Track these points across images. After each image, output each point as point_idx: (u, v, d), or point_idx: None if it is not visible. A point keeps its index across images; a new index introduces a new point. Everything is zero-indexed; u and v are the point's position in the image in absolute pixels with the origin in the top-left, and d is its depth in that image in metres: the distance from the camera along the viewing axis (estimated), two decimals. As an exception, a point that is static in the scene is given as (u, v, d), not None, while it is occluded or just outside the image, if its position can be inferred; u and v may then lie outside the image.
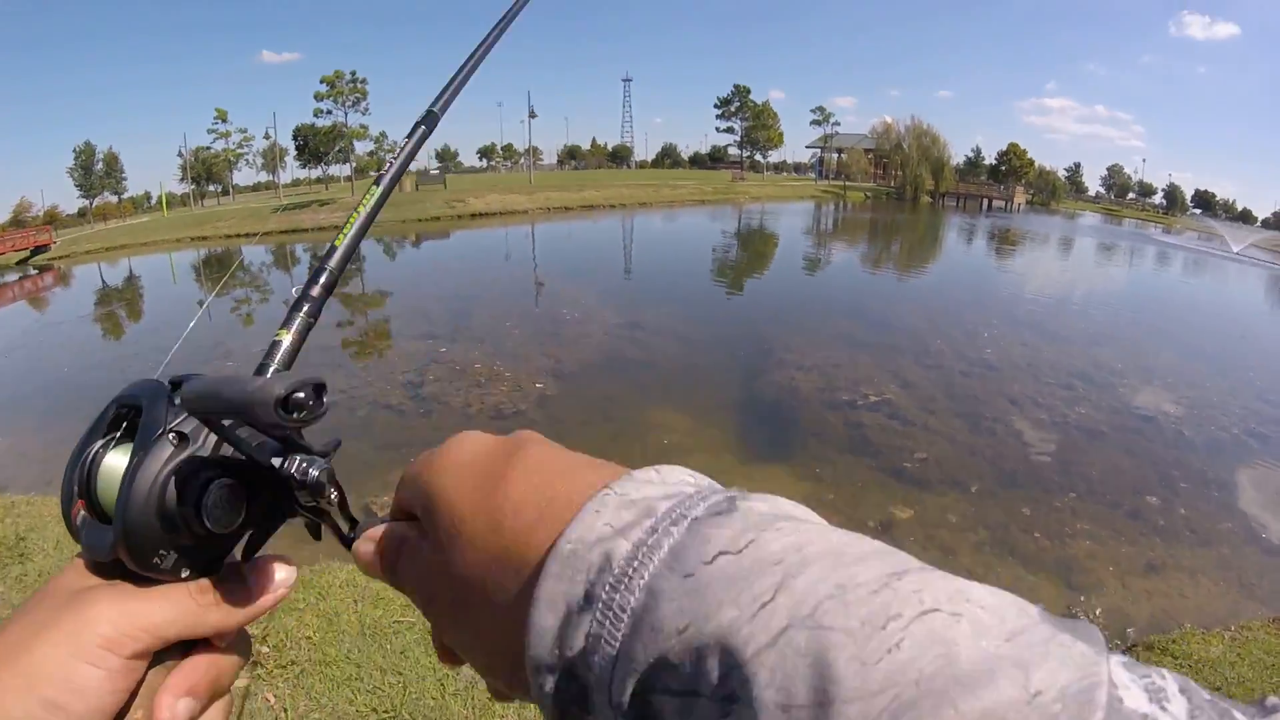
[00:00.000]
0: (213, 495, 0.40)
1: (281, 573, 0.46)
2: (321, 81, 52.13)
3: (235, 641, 0.46)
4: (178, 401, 0.42)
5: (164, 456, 0.40)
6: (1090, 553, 5.70)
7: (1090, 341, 13.05)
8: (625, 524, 0.32)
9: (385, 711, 3.20)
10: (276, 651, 3.56)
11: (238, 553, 0.45)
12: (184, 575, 0.41)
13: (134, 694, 0.40)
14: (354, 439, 7.29)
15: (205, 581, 0.42)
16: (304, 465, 0.41)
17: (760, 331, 12.58)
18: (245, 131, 76.73)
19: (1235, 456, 7.97)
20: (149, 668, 0.40)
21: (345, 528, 0.45)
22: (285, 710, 3.18)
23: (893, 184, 78.42)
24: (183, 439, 0.41)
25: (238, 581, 0.44)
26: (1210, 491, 7.00)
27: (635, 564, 0.30)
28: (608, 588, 0.30)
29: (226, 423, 0.41)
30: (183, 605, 0.41)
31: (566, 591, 0.31)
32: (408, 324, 12.69)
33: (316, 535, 0.47)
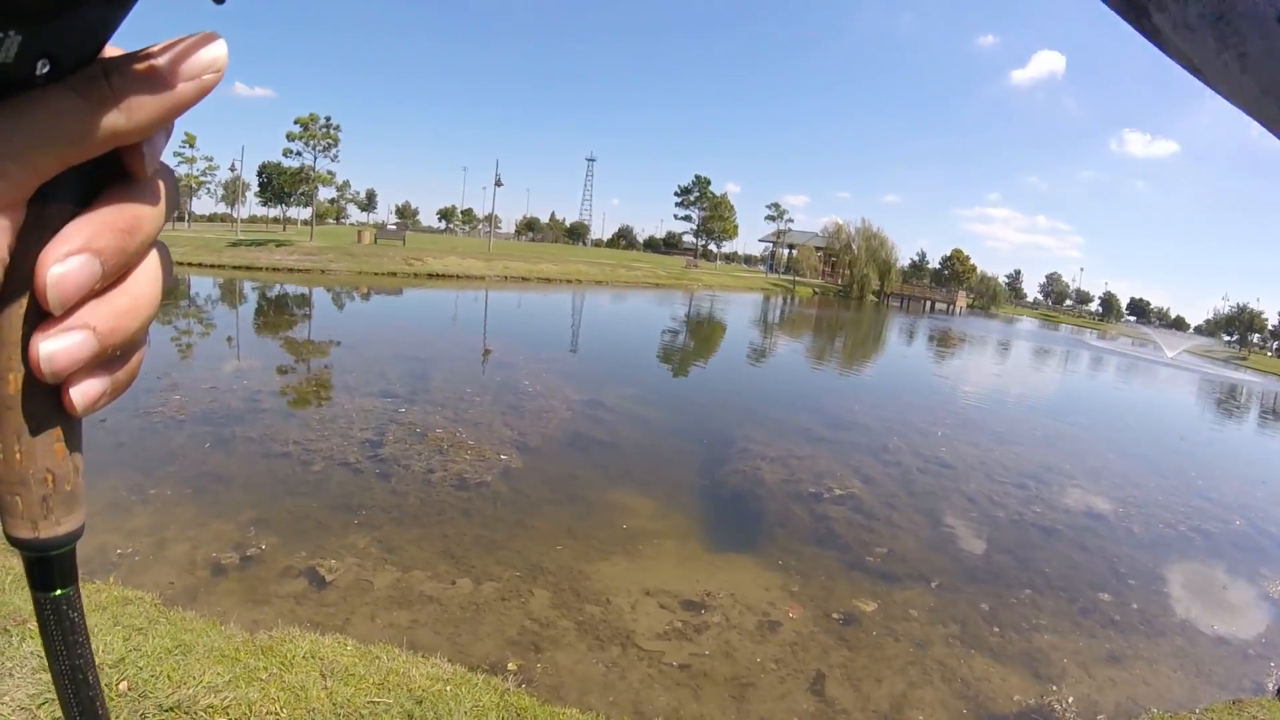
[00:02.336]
0: None
1: (205, 47, 0.33)
2: (295, 122, 51.87)
3: (153, 177, 0.34)
4: None
5: None
6: (1053, 645, 5.86)
7: (1038, 443, 13.75)
8: None
9: (362, 806, 3.00)
10: (237, 727, 3.34)
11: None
12: (42, 70, 0.29)
13: (11, 270, 0.30)
14: (307, 496, 7.04)
15: (85, 74, 0.30)
16: None
17: (722, 419, 12.63)
18: (211, 160, 76.34)
19: (1180, 552, 8.59)
20: (25, 230, 0.30)
21: None
22: (249, 795, 2.97)
23: (840, 282, 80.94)
24: None
25: (136, 59, 0.32)
26: (1160, 585, 7.45)
27: None
28: None
29: None
30: (53, 112, 0.29)
31: None
32: (365, 380, 12.40)
33: None
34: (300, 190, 59.66)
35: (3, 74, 0.28)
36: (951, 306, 79.64)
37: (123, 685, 3.37)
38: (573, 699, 4.35)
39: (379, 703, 3.64)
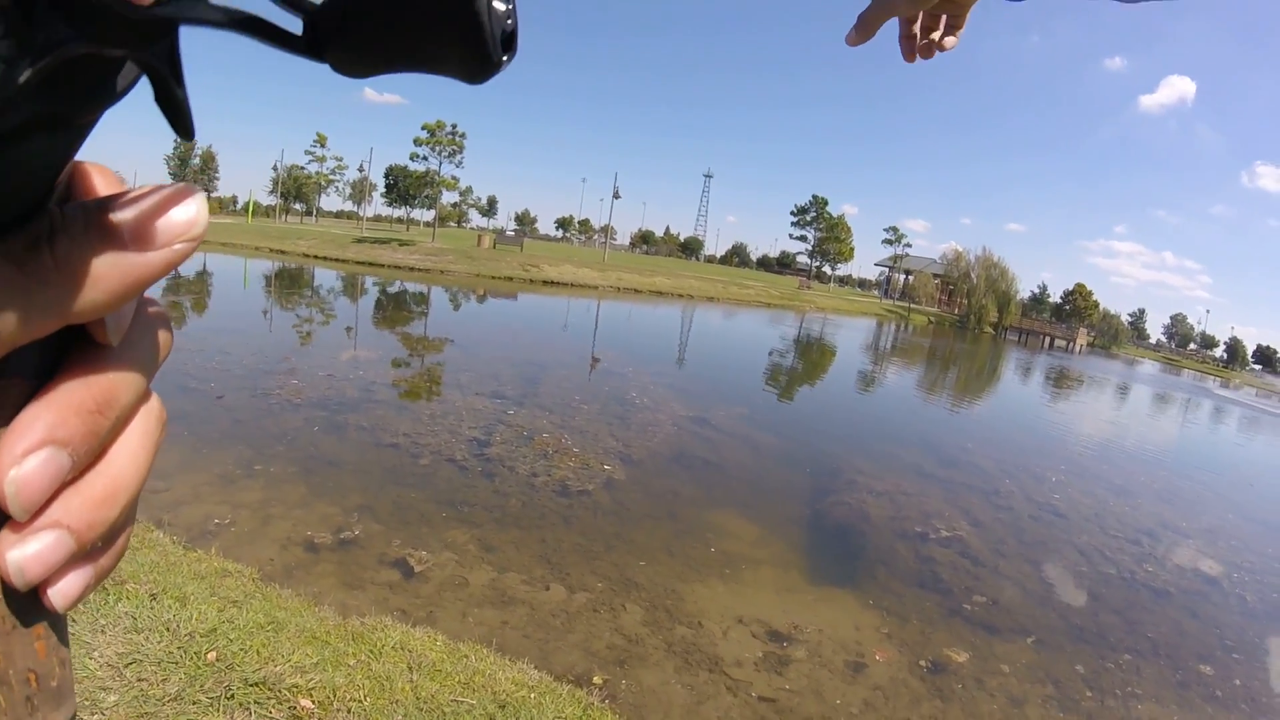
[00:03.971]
0: None
1: (178, 206, 0.26)
2: (423, 128, 53.83)
3: (128, 330, 0.28)
4: None
5: None
6: (1153, 715, 5.41)
7: (1155, 497, 12.86)
8: None
9: (438, 806, 2.89)
10: (321, 709, 3.27)
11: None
12: None
13: None
14: (412, 488, 7.10)
15: (22, 234, 0.24)
16: None
17: (829, 447, 12.29)
18: (340, 160, 79.76)
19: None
20: None
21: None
22: (328, 783, 2.90)
23: (957, 312, 78.92)
24: None
25: (89, 216, 0.25)
26: (1267, 661, 6.85)
27: None
28: None
29: None
30: None
31: None
32: (477, 380, 12.59)
33: (167, 104, 0.25)
34: (424, 193, 61.88)
35: None
36: (1071, 344, 76.70)
37: (211, 655, 3.38)
38: (655, 720, 4.19)
39: (462, 702, 3.56)
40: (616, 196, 68.01)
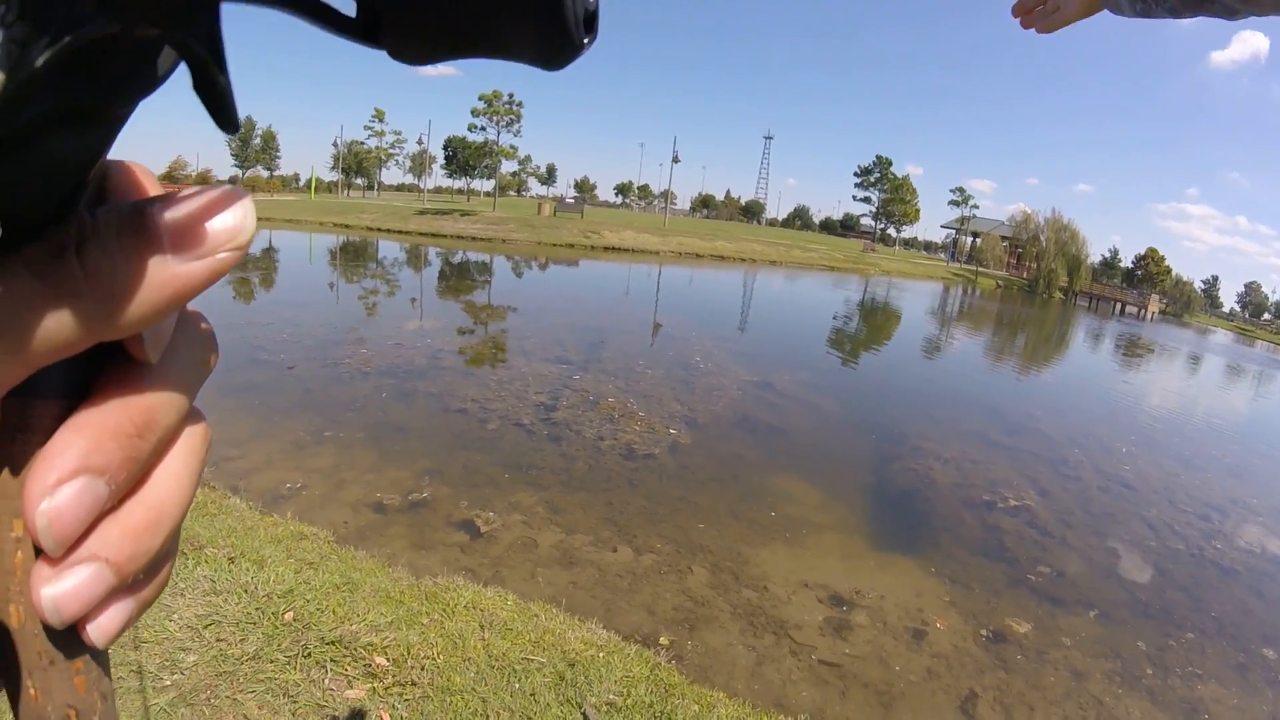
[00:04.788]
0: None
1: (223, 212, 0.24)
2: (480, 99, 54.00)
3: (169, 345, 0.26)
4: None
5: None
6: (1215, 697, 5.23)
7: (1226, 472, 12.32)
8: None
9: (510, 760, 2.94)
10: (396, 666, 3.35)
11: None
12: None
13: None
14: (480, 452, 7.19)
15: (54, 240, 0.21)
16: None
17: (894, 413, 12.12)
18: (399, 134, 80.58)
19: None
20: (2, 436, 0.23)
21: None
22: (403, 737, 2.95)
23: (1026, 276, 76.80)
24: None
25: (128, 222, 0.22)
26: None
27: None
28: None
29: None
30: (9, 300, 0.20)
31: None
32: (541, 346, 12.68)
33: (208, 93, 0.22)
34: (484, 163, 62.20)
35: None
36: (1142, 311, 74.08)
37: (288, 615, 3.47)
38: (720, 682, 4.23)
39: (533, 660, 3.61)
40: (676, 160, 67.56)
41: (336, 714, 2.98)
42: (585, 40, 0.23)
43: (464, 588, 4.34)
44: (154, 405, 0.25)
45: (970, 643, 5.21)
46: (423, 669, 3.37)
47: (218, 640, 3.20)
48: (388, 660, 3.37)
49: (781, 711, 4.03)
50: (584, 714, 3.25)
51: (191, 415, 0.28)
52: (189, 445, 0.27)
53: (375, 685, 3.19)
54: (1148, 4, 0.70)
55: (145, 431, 0.25)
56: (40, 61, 0.17)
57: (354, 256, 28.80)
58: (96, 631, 0.25)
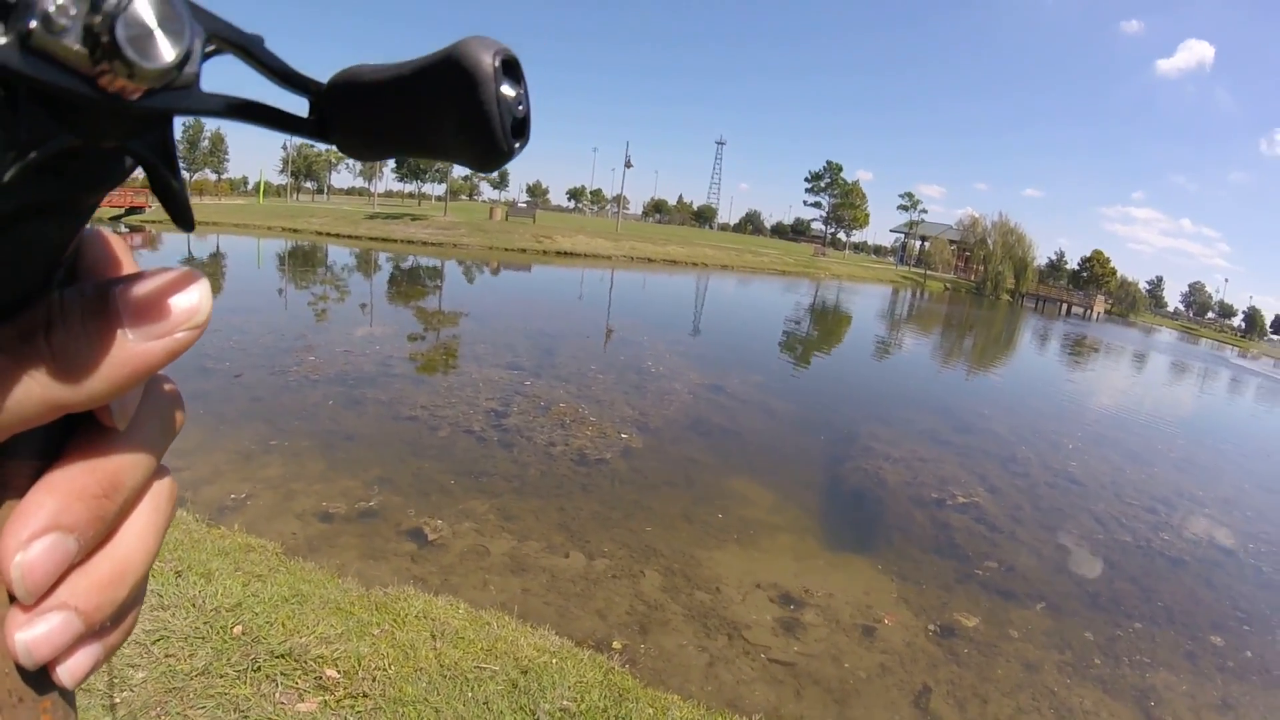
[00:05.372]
0: None
1: (180, 294, 0.26)
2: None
3: (137, 411, 0.28)
4: None
5: None
6: (1166, 684, 5.38)
7: (1172, 466, 12.72)
8: None
9: (464, 771, 2.93)
10: (347, 679, 3.32)
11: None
12: None
13: None
14: (431, 459, 7.15)
15: (23, 321, 0.24)
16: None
17: (846, 414, 12.30)
18: (350, 137, 79.45)
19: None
20: None
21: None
22: (356, 750, 2.94)
23: (973, 278, 78.21)
24: None
25: (91, 305, 0.25)
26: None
27: None
28: None
29: None
30: None
31: None
32: (493, 351, 12.62)
33: (162, 194, 0.25)
34: (435, 167, 61.57)
35: None
36: (1089, 311, 75.88)
37: (237, 629, 3.43)
38: (675, 685, 4.25)
39: (486, 669, 3.61)
40: (628, 165, 67.60)
41: (287, 728, 2.95)
42: (515, 146, 0.25)
43: (415, 597, 4.31)
44: (120, 468, 0.27)
45: (922, 638, 5.30)
46: (374, 680, 3.35)
47: (166, 656, 3.16)
48: (338, 672, 3.34)
49: (736, 712, 4.07)
50: (537, 721, 3.26)
51: (158, 472, 0.30)
52: (154, 503, 0.30)
53: (326, 698, 3.17)
54: None
55: (112, 492, 0.27)
56: (8, 176, 0.19)
57: (303, 262, 28.40)
58: (66, 674, 0.27)
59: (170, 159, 0.24)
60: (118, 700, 2.84)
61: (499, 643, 3.90)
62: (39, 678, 0.27)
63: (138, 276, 0.26)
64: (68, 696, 0.28)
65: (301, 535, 5.38)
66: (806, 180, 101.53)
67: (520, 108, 0.25)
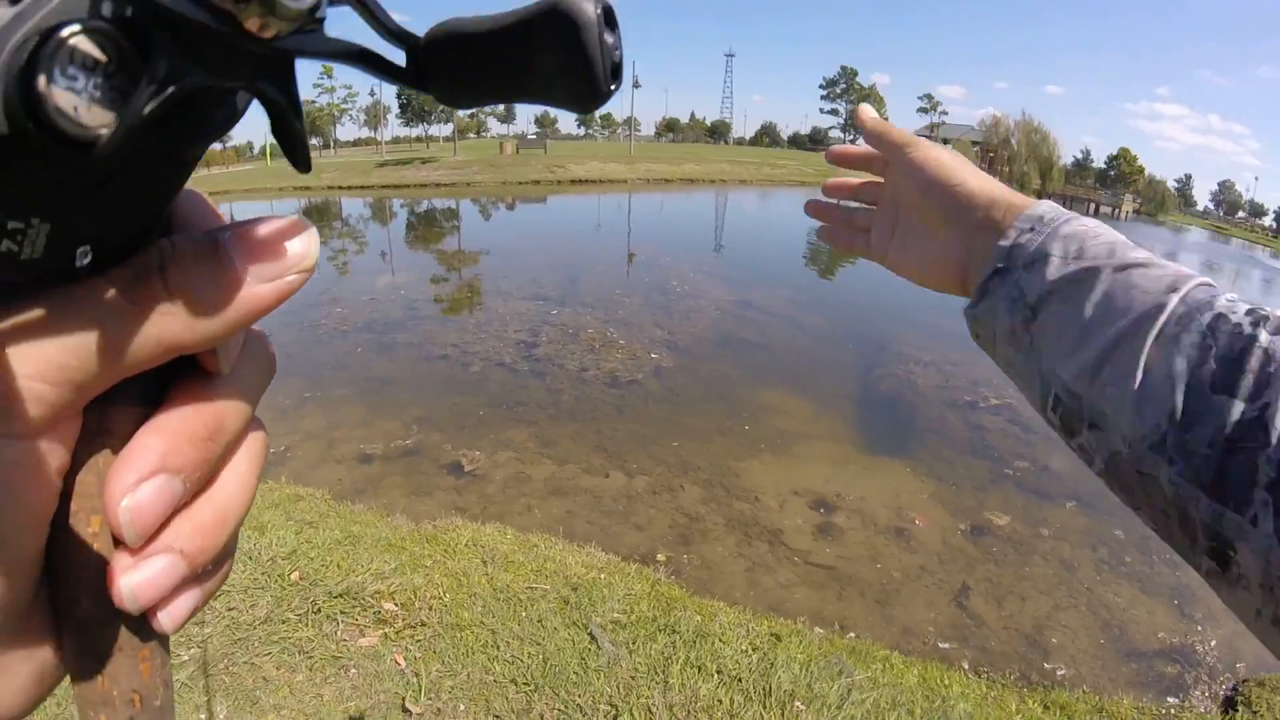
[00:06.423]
0: (58, 56, 0.18)
1: (291, 239, 0.27)
2: (431, 38, 52.69)
3: (236, 359, 0.29)
4: None
5: None
6: (1200, 582, 5.28)
7: None
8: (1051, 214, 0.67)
9: (524, 683, 3.03)
10: (404, 610, 3.44)
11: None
12: (83, 263, 0.22)
13: (70, 487, 0.25)
14: (467, 394, 7.25)
15: (136, 266, 0.24)
16: None
17: (874, 323, 12.23)
18: (350, 88, 78.66)
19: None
20: (84, 438, 0.25)
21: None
22: (418, 675, 3.04)
23: (998, 179, 76.37)
24: None
25: (203, 253, 0.25)
26: None
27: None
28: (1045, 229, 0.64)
29: None
30: (99, 318, 0.23)
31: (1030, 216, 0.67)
32: (517, 285, 12.61)
33: (285, 137, 0.26)
34: (440, 108, 60.90)
35: (33, 270, 0.21)
36: (1116, 211, 73.74)
37: (295, 575, 3.54)
38: (720, 592, 4.34)
39: (537, 588, 3.71)
40: (637, 85, 66.47)
41: (352, 663, 3.07)
42: (611, 88, 0.26)
43: (463, 527, 4.42)
44: (223, 412, 0.28)
45: (960, 538, 5.34)
46: (430, 609, 3.46)
47: (228, 610, 3.27)
48: (396, 605, 3.46)
49: (781, 615, 4.16)
50: (590, 634, 3.35)
51: (253, 423, 0.30)
52: (251, 450, 0.30)
53: (386, 631, 3.28)
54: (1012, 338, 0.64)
55: (215, 436, 0.27)
56: (146, 110, 0.20)
57: (319, 218, 28.35)
58: (167, 618, 0.28)
59: (295, 101, 0.25)
60: (185, 657, 2.96)
61: (548, 563, 4.00)
62: (139, 625, 0.27)
63: (249, 222, 0.27)
64: (164, 644, 0.29)
65: (348, 480, 5.50)
66: (821, 88, 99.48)
67: (617, 53, 0.25)
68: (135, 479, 0.25)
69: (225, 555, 0.30)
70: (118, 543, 0.26)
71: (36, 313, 0.22)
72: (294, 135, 0.25)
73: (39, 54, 0.18)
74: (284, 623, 3.22)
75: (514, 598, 3.60)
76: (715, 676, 3.18)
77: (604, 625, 3.43)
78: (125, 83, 0.20)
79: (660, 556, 4.66)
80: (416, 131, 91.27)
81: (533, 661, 3.16)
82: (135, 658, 0.27)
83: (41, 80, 0.18)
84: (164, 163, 0.24)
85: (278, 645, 3.08)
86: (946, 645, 4.24)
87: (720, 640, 3.45)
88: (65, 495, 0.25)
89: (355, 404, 6.98)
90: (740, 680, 3.17)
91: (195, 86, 0.21)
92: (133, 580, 0.26)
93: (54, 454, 0.24)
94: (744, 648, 3.44)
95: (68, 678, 0.28)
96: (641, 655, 3.26)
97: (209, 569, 0.29)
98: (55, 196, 0.21)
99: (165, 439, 0.26)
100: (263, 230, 0.26)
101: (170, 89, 0.20)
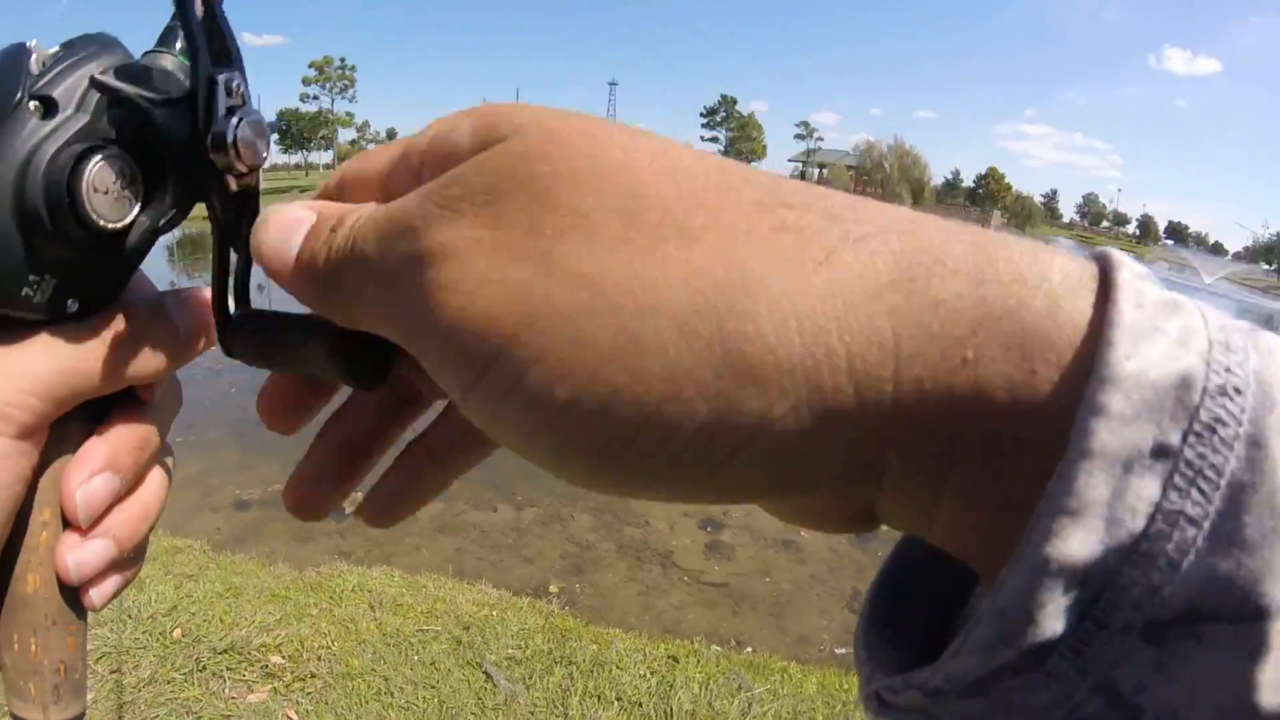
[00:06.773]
0: (94, 173, 0.29)
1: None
2: (310, 66, 51.94)
3: (163, 392, 0.38)
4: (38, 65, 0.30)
5: (23, 132, 0.28)
6: None
7: None
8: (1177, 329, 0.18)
9: (421, 729, 3.03)
10: (292, 663, 3.36)
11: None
12: (71, 309, 0.32)
13: (35, 484, 0.33)
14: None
15: (107, 316, 0.33)
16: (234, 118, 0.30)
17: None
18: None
19: None
20: (47, 447, 0.33)
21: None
22: (309, 729, 3.01)
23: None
24: (49, 105, 0.29)
25: (153, 312, 0.35)
26: None
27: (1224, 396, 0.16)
28: (1191, 434, 0.16)
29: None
30: (79, 351, 0.32)
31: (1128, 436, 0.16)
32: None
33: (222, 238, 0.34)
34: (320, 134, 59.72)
35: (38, 311, 0.31)
36: (986, 226, 77.45)
37: (177, 632, 3.43)
38: (615, 619, 4.35)
39: (428, 630, 3.68)
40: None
41: (242, 720, 3.00)
42: (381, 383, 0.34)
43: (349, 572, 4.32)
44: (150, 431, 0.36)
45: (847, 545, 5.47)
46: (319, 659, 3.39)
47: (112, 672, 3.14)
48: (283, 657, 3.38)
49: (677, 636, 4.23)
50: (485, 672, 3.36)
51: (165, 444, 0.39)
52: (165, 464, 0.39)
53: (275, 685, 3.20)
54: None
55: (145, 448, 0.35)
56: (162, 223, 0.33)
57: (191, 250, 27.31)
58: (97, 594, 0.35)
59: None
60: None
61: (438, 603, 3.97)
62: (73, 601, 0.34)
63: (186, 291, 0.37)
64: (85, 632, 0.35)
65: (226, 528, 5.34)
66: (702, 115, 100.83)
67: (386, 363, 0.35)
68: (89, 473, 0.33)
69: (143, 549, 0.38)
70: (65, 527, 0.33)
71: (35, 343, 0.31)
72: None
73: (79, 171, 0.29)
74: (169, 683, 3.12)
75: (405, 641, 3.57)
76: (615, 704, 3.22)
77: (499, 663, 3.44)
78: (136, 193, 0.31)
79: (553, 587, 4.69)
80: (295, 159, 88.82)
81: (428, 706, 3.14)
82: (66, 632, 0.33)
83: (81, 191, 0.29)
84: (135, 250, 0.33)
85: (164, 707, 2.99)
86: (842, 650, 4.34)
87: (618, 667, 3.48)
88: (29, 496, 0.32)
89: (230, 448, 6.76)
90: (640, 705, 3.22)
91: (193, 204, 0.33)
92: (78, 556, 0.33)
93: (30, 455, 0.31)
94: (642, 672, 3.48)
95: None
96: (539, 690, 3.28)
97: (131, 556, 0.37)
98: (64, 264, 0.30)
99: (110, 446, 0.34)
100: (194, 298, 0.36)
101: (178, 211, 0.33)
